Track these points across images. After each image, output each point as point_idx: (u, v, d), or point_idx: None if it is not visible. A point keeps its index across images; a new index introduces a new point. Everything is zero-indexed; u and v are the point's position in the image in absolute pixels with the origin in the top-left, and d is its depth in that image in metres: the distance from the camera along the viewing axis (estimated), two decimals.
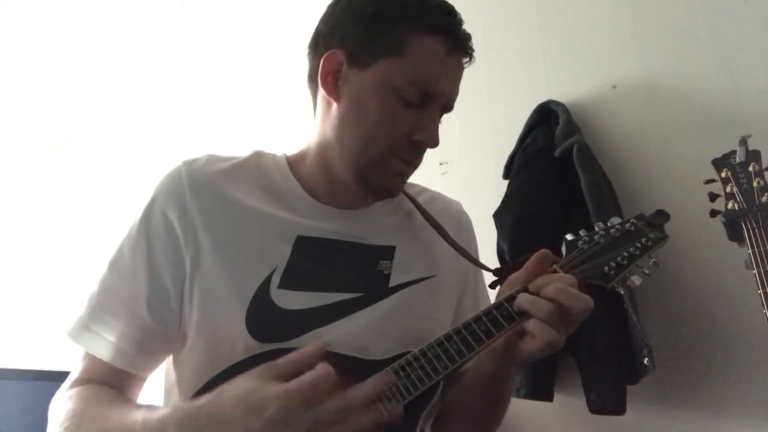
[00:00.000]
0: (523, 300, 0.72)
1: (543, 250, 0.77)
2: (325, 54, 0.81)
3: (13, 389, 1.67)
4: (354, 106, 0.80)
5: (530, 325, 0.70)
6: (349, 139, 0.81)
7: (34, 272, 2.32)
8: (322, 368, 0.62)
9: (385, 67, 0.78)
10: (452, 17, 0.81)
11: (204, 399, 0.64)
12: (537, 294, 0.72)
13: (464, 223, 0.99)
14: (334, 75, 0.81)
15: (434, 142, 0.81)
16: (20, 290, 2.29)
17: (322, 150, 0.85)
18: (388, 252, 0.86)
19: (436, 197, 0.99)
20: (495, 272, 0.94)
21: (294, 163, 0.90)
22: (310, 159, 0.87)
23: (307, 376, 0.61)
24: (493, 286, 0.94)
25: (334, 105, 0.82)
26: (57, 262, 2.32)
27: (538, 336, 0.69)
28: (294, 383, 0.61)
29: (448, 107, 0.84)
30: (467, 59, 0.84)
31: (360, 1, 0.81)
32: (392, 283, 0.84)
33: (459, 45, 0.81)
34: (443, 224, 0.92)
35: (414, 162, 0.84)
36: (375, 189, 0.84)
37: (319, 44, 0.84)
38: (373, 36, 0.78)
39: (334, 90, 0.81)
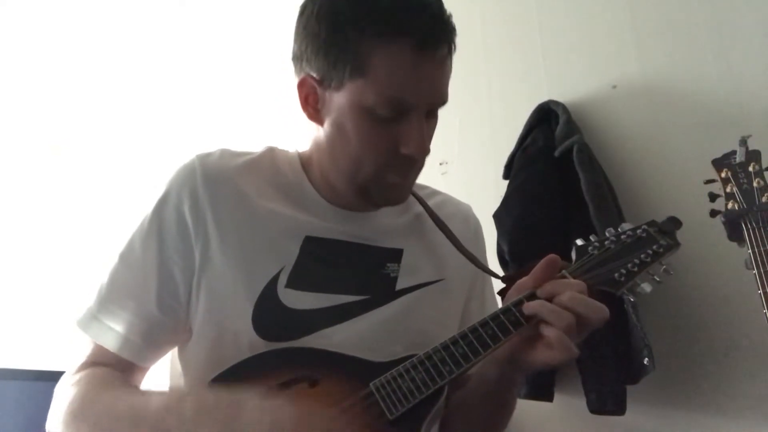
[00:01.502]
0: (543, 309, 0.69)
1: (551, 255, 0.75)
2: (299, 80, 0.80)
3: (13, 389, 1.67)
4: (336, 129, 0.78)
5: (550, 334, 0.68)
6: (340, 162, 0.80)
7: (35, 272, 2.32)
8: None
9: (353, 89, 0.73)
10: (412, 11, 0.72)
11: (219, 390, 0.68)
12: (548, 300, 0.70)
13: (473, 226, 0.98)
14: (313, 98, 0.79)
15: (422, 152, 0.76)
16: (20, 290, 2.29)
17: (321, 162, 0.85)
18: (396, 255, 0.86)
19: (446, 200, 0.98)
20: (503, 279, 0.93)
21: (305, 161, 0.89)
22: (315, 163, 0.87)
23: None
24: (501, 293, 0.93)
25: (320, 128, 0.81)
26: (57, 262, 2.31)
27: (557, 347, 0.68)
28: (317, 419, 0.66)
29: (436, 105, 0.79)
30: (446, 48, 0.75)
31: (313, 22, 0.76)
32: (399, 286, 0.84)
33: (428, 40, 0.72)
34: (453, 228, 0.91)
35: (409, 173, 0.81)
36: (378, 201, 0.84)
37: (295, 63, 0.82)
38: (333, 60, 0.74)
39: (315, 115, 0.80)
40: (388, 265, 0.85)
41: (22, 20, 2.47)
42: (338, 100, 0.76)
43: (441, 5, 0.76)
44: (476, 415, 0.85)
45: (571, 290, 0.70)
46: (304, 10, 0.79)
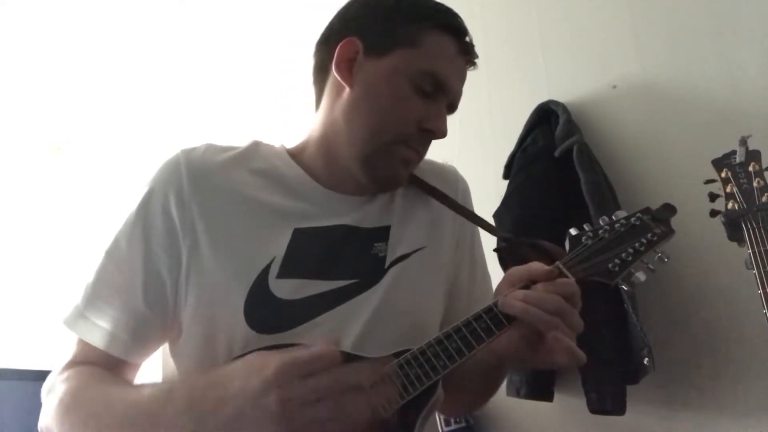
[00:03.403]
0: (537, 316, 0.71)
1: (552, 270, 0.76)
2: (342, 41, 0.83)
3: (13, 389, 1.67)
4: (367, 92, 0.82)
5: (554, 343, 0.70)
6: (359, 125, 0.83)
7: (35, 272, 2.32)
8: (328, 346, 0.66)
9: (401, 56, 0.81)
10: (461, 23, 0.86)
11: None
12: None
13: (461, 187, 0.99)
14: (349, 62, 0.83)
15: (442, 133, 0.84)
16: (20, 290, 2.29)
17: (327, 137, 0.86)
18: (384, 233, 0.87)
19: (426, 168, 0.95)
20: (498, 251, 1.01)
21: (293, 153, 0.90)
22: (311, 148, 0.88)
23: (312, 349, 0.65)
24: (498, 252, 1.00)
25: (346, 91, 0.83)
26: (57, 262, 2.32)
27: (566, 355, 0.69)
28: (297, 352, 0.64)
29: (453, 106, 0.87)
30: (471, 66, 0.88)
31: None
32: (387, 263, 0.85)
33: (466, 48, 0.86)
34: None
35: (420, 151, 0.86)
36: (380, 177, 0.85)
37: (332, 38, 0.86)
38: (390, 27, 0.82)
39: (348, 76, 0.83)
40: (376, 245, 0.85)
41: (22, 20, 2.47)
42: (379, 65, 0.82)
43: None
44: (465, 389, 0.88)
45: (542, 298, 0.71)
46: None
